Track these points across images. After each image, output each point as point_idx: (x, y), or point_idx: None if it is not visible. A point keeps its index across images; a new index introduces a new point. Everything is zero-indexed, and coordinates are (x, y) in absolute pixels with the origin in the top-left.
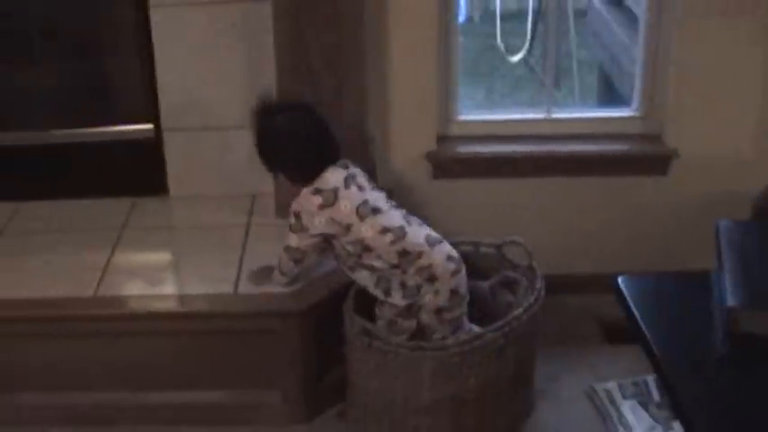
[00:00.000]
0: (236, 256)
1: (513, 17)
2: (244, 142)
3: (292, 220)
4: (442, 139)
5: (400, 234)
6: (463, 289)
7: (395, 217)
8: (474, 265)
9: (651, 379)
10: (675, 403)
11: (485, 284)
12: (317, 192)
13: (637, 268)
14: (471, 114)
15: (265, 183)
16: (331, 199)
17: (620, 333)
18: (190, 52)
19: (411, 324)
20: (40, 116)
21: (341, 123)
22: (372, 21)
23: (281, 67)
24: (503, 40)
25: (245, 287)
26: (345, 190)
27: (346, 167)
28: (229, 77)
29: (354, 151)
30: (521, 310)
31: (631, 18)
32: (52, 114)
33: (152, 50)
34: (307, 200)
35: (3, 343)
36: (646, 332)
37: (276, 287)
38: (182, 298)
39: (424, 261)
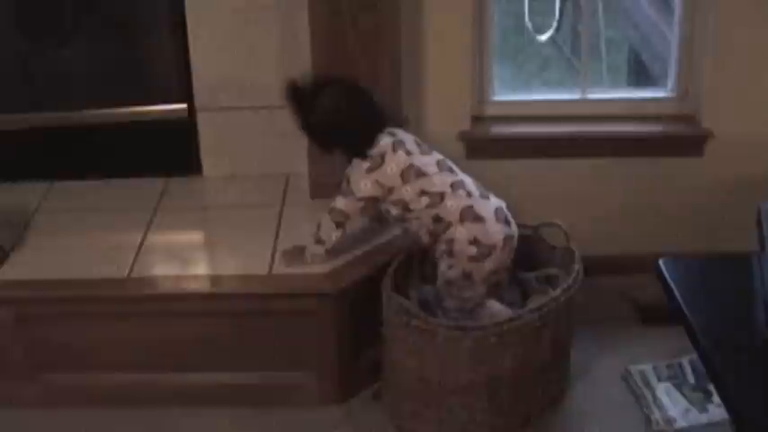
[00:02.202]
0: (271, 236)
1: None
2: (277, 122)
3: (344, 183)
4: (477, 119)
5: (437, 200)
6: (479, 275)
7: (438, 183)
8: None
9: (686, 361)
10: (718, 386)
11: (530, 275)
12: (366, 157)
13: (671, 249)
14: (505, 95)
15: (299, 163)
16: (378, 162)
17: (655, 315)
18: (224, 31)
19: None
20: (74, 96)
21: None
22: (408, 0)
23: (316, 46)
24: (530, 19)
25: (280, 268)
26: (392, 154)
27: (393, 135)
28: (263, 57)
29: None
30: (558, 291)
31: None
32: (86, 94)
33: (186, 30)
34: (357, 164)
35: (36, 323)
36: (688, 315)
37: (309, 266)
38: (215, 278)
39: (449, 234)
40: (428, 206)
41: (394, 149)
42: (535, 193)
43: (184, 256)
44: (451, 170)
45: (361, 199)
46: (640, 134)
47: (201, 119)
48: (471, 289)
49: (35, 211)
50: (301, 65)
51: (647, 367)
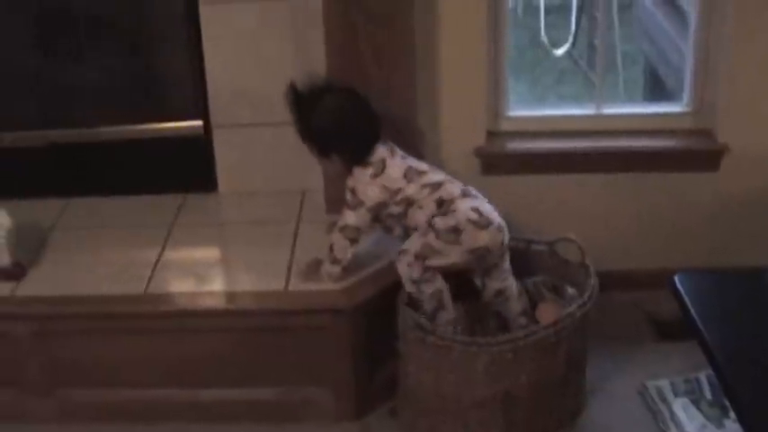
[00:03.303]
0: (287, 252)
1: (556, 10)
2: (293, 138)
3: (349, 196)
4: (492, 134)
5: (437, 187)
6: (468, 241)
7: (435, 176)
8: (526, 262)
9: (703, 376)
10: (733, 402)
11: (538, 279)
12: (368, 164)
13: (688, 265)
14: (521, 110)
15: (315, 178)
16: (380, 167)
17: (672, 330)
18: (239, 48)
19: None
20: (90, 113)
21: (390, 118)
22: (422, 15)
23: (331, 62)
24: (546, 34)
25: (296, 284)
26: (391, 158)
27: (386, 143)
28: (279, 73)
29: (404, 146)
30: (574, 306)
31: (677, 10)
32: (102, 111)
33: (201, 46)
34: (360, 173)
35: (53, 339)
36: (703, 330)
37: (326, 283)
38: (232, 295)
39: (453, 207)
40: (430, 192)
41: (392, 155)
42: (550, 209)
43: (200, 272)
44: (438, 172)
45: (370, 208)
46: (656, 149)
47: (217, 135)
48: (444, 258)
49: (52, 227)
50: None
51: (664, 383)
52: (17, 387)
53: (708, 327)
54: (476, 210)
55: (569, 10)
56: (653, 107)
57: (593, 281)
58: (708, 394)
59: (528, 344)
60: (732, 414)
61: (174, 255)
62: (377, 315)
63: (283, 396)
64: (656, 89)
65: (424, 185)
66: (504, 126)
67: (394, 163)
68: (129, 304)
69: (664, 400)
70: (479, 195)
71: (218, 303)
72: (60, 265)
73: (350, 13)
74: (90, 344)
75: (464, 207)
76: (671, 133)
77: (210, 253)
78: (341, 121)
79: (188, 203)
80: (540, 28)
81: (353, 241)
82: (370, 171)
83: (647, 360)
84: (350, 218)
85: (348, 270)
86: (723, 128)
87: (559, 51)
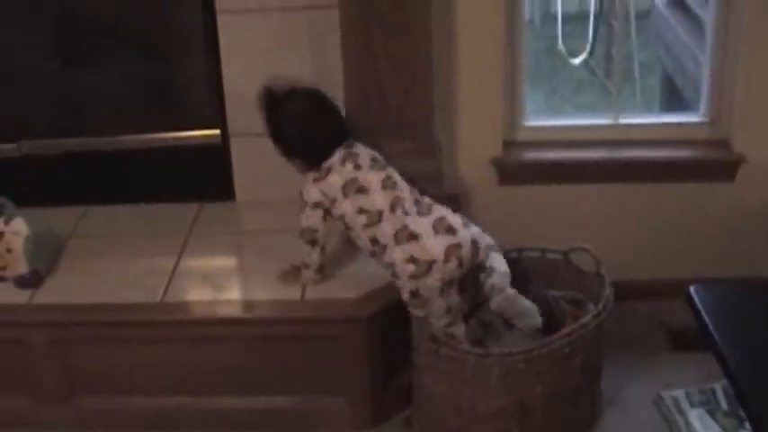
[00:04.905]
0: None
1: (574, 19)
2: None
3: (299, 201)
4: (509, 144)
5: (375, 219)
6: (427, 291)
7: (378, 201)
8: (541, 271)
9: (719, 386)
10: (749, 414)
11: (550, 294)
12: (316, 169)
13: (703, 275)
14: (538, 120)
15: None
16: (324, 173)
17: (688, 340)
18: (257, 58)
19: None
20: (108, 122)
21: (407, 129)
22: (439, 26)
23: (349, 73)
24: (563, 43)
25: (312, 293)
26: (340, 167)
27: (349, 147)
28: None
29: (420, 156)
30: (588, 317)
31: (695, 20)
32: (120, 120)
33: (219, 56)
34: (307, 176)
35: (70, 347)
36: (718, 340)
37: (308, 283)
38: (248, 304)
39: (387, 257)
40: (365, 225)
41: (343, 162)
42: (566, 218)
43: (217, 281)
44: (395, 186)
45: (313, 205)
46: (672, 159)
47: (235, 144)
48: (422, 307)
49: (69, 235)
50: (334, 90)
51: (680, 393)
52: (33, 395)
53: (723, 337)
54: (410, 259)
55: (587, 19)
56: (670, 117)
57: (608, 291)
58: (723, 404)
59: (542, 355)
60: (748, 424)
61: (191, 263)
62: (392, 323)
63: (299, 405)
64: (673, 98)
65: (362, 210)
66: (521, 136)
67: (339, 171)
68: (145, 313)
69: (679, 410)
70: (418, 224)
71: (234, 312)
72: (77, 273)
73: (366, 20)
74: (106, 352)
75: (399, 259)
76: (687, 143)
77: (227, 262)
78: (298, 129)
79: (205, 212)
80: (557, 37)
81: (313, 243)
82: (313, 175)
83: (663, 370)
84: (302, 221)
85: (322, 272)
86: (739, 138)
87: (576, 60)
